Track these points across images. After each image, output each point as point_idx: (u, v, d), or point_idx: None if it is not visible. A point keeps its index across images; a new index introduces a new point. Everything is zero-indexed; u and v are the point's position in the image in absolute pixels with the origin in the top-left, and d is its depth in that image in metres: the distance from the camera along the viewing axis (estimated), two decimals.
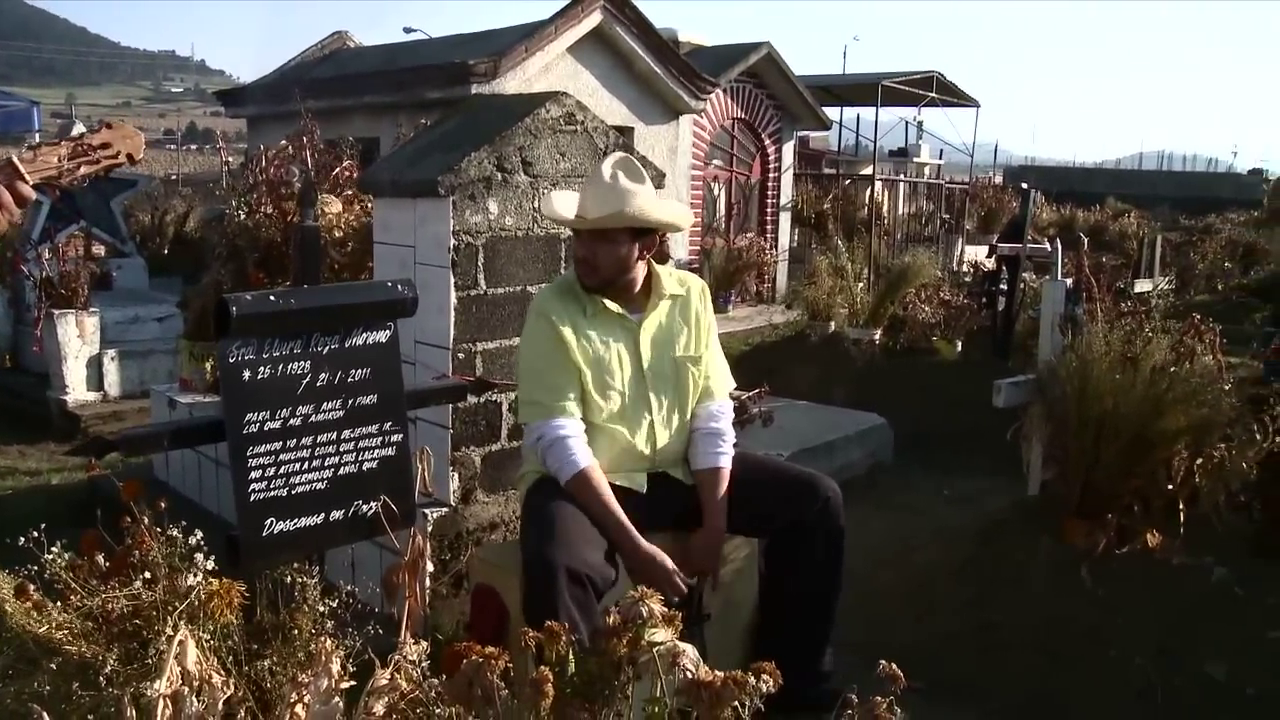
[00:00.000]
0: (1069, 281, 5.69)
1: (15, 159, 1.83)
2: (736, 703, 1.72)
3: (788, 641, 3.16)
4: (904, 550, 4.84)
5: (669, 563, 2.98)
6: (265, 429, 2.33)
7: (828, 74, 21.10)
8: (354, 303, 2.57)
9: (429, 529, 3.66)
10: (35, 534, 2.20)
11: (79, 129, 2.03)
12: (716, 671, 1.75)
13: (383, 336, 2.52)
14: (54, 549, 2.23)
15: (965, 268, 13.83)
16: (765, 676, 1.73)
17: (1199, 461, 3.94)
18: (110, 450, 2.38)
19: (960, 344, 8.88)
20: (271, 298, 2.34)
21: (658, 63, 11.63)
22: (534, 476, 3.19)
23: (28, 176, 1.82)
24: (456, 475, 3.83)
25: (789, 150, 15.27)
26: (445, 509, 3.78)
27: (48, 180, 1.87)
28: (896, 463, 6.63)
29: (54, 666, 2.24)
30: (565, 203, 3.19)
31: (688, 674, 1.76)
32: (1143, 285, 10.02)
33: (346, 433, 2.47)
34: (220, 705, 2.04)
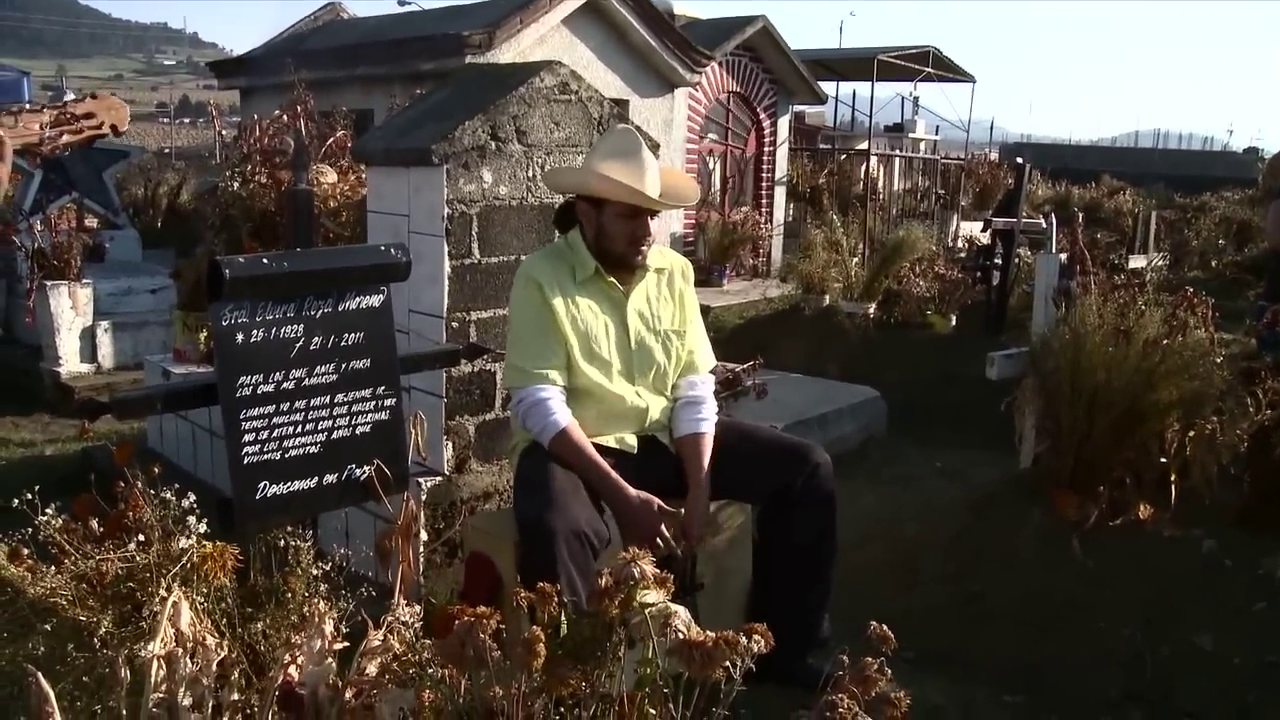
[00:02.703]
0: (1063, 256, 5.70)
1: None
2: (728, 663, 1.73)
3: (781, 610, 3.16)
4: (894, 522, 4.85)
5: (655, 503, 3.00)
6: (258, 392, 2.33)
7: (823, 48, 21.03)
8: (347, 266, 2.57)
9: (423, 497, 3.67)
10: (30, 496, 2.21)
11: (71, 99, 1.98)
12: (708, 632, 1.76)
13: (376, 300, 2.52)
14: (48, 511, 2.24)
15: (960, 243, 13.84)
16: (756, 637, 1.74)
17: (1190, 434, 3.95)
18: (103, 412, 2.38)
19: (954, 318, 8.89)
20: (264, 260, 2.33)
21: (653, 35, 11.59)
22: (524, 444, 3.19)
23: (7, 140, 1.78)
24: (450, 444, 3.84)
25: (784, 124, 15.23)
26: (439, 478, 3.79)
27: (29, 146, 1.83)
28: (889, 436, 6.64)
29: (48, 629, 2.25)
30: (625, 176, 3.09)
31: (679, 635, 1.77)
32: (1137, 261, 10.04)
33: (339, 396, 2.47)
34: (214, 667, 2.05)
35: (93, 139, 1.96)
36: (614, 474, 3.02)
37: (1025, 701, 3.42)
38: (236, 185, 5.93)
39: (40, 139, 1.85)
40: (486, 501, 3.91)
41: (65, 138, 1.89)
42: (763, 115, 14.74)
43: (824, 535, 3.30)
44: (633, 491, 3.00)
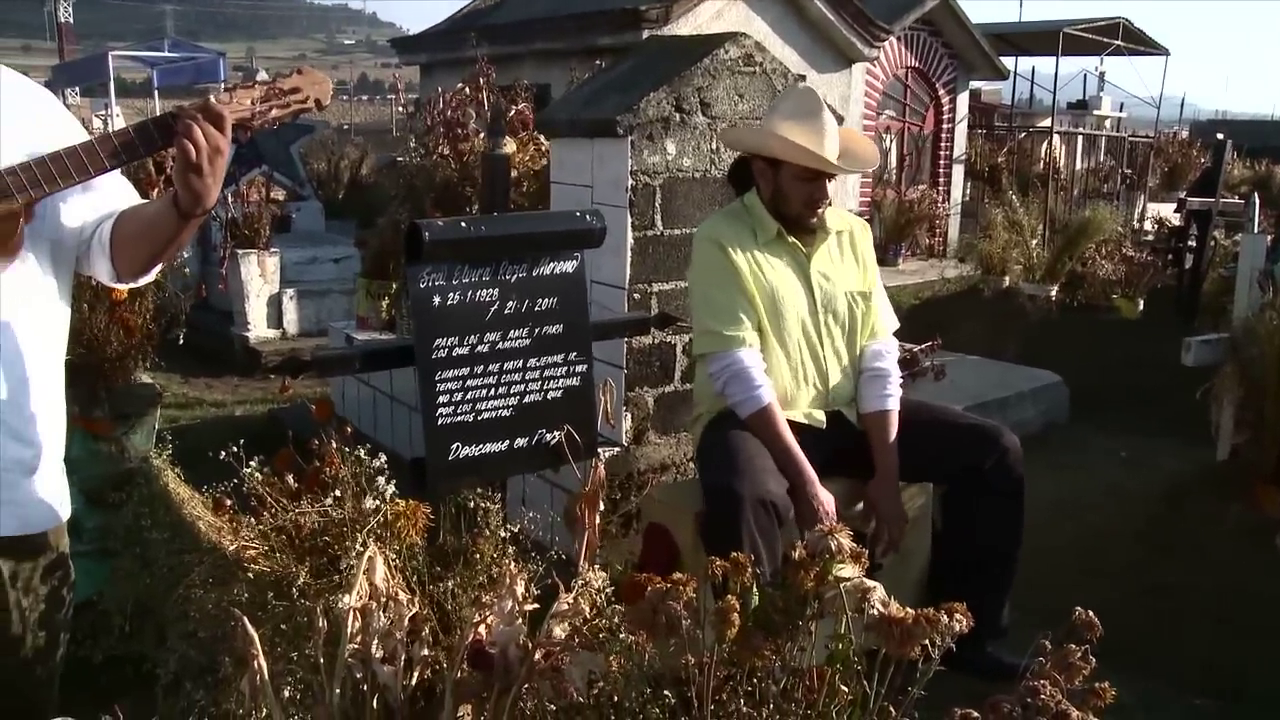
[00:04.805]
0: (1268, 238, 5.40)
1: (213, 99, 1.85)
2: (926, 642, 1.68)
3: (962, 595, 3.07)
4: (1076, 510, 4.72)
5: (832, 512, 2.95)
6: (453, 354, 2.37)
7: (1003, 22, 20.36)
8: (542, 231, 2.59)
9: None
10: (235, 449, 2.29)
11: (262, 77, 2.05)
12: (907, 609, 1.71)
13: (570, 266, 2.53)
14: (252, 463, 2.31)
15: (1148, 224, 13.27)
16: (958, 616, 1.69)
17: None
18: (305, 370, 2.46)
19: (1142, 302, 8.55)
20: (463, 224, 2.37)
21: (831, 9, 11.38)
22: (710, 415, 3.18)
23: (228, 116, 1.83)
24: (629, 416, 3.85)
25: (963, 101, 14.82)
26: (617, 448, 3.81)
27: (242, 122, 1.89)
28: (1071, 422, 6.43)
29: (250, 577, 2.34)
30: (804, 138, 3.04)
31: (877, 611, 1.73)
32: None
33: (532, 361, 2.50)
34: (406, 622, 2.09)
35: (298, 113, 2.00)
36: (806, 463, 2.98)
37: (1218, 705, 3.26)
38: (419, 157, 6.07)
39: (252, 114, 1.91)
40: (663, 474, 3.92)
41: (274, 112, 1.94)
42: (941, 91, 14.37)
43: (1010, 521, 3.21)
44: (818, 490, 2.96)
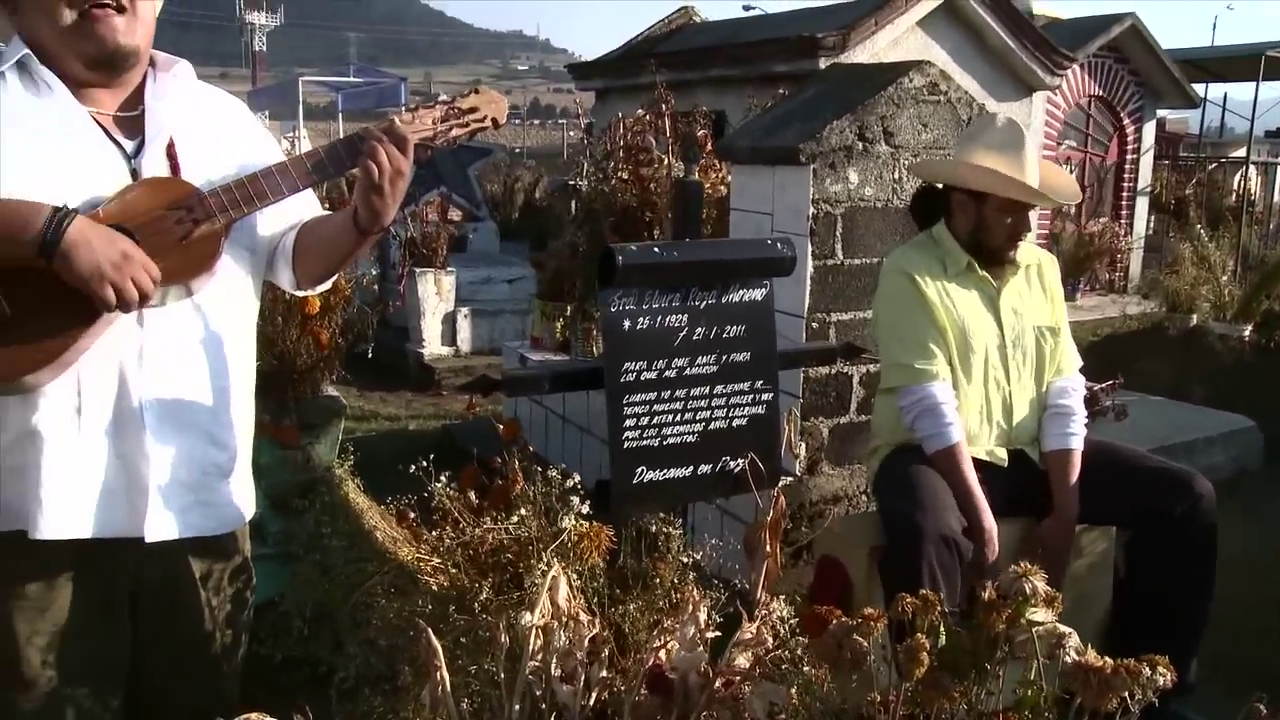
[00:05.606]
0: None
1: (396, 120, 1.92)
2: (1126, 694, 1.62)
3: (1147, 647, 2.96)
4: (1270, 565, 4.47)
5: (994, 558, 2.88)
6: (641, 379, 2.38)
7: (1193, 47, 19.53)
8: (733, 259, 2.59)
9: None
10: (425, 464, 2.35)
11: (442, 99, 2.12)
12: (1106, 658, 1.66)
13: (759, 294, 2.52)
14: (441, 478, 2.37)
15: None
16: (1161, 670, 1.63)
17: None
18: (495, 389, 2.51)
19: None
20: (655, 249, 2.39)
21: (1011, 36, 11.15)
22: (887, 449, 3.14)
23: (410, 138, 1.89)
24: (804, 445, 3.83)
25: (1149, 130, 14.28)
26: (790, 478, 3.79)
27: (425, 141, 1.94)
28: (1266, 469, 6.11)
29: (432, 589, 2.39)
30: (1011, 170, 3.01)
31: (1073, 658, 1.67)
32: None
33: (719, 388, 2.49)
34: (585, 642, 2.11)
35: (476, 132, 2.05)
36: (988, 511, 2.92)
37: None
38: (597, 181, 6.15)
39: (434, 134, 1.96)
40: (835, 505, 3.89)
41: (455, 131, 1.99)
42: (1126, 120, 13.89)
43: (1201, 571, 3.08)
44: (993, 540, 2.90)
